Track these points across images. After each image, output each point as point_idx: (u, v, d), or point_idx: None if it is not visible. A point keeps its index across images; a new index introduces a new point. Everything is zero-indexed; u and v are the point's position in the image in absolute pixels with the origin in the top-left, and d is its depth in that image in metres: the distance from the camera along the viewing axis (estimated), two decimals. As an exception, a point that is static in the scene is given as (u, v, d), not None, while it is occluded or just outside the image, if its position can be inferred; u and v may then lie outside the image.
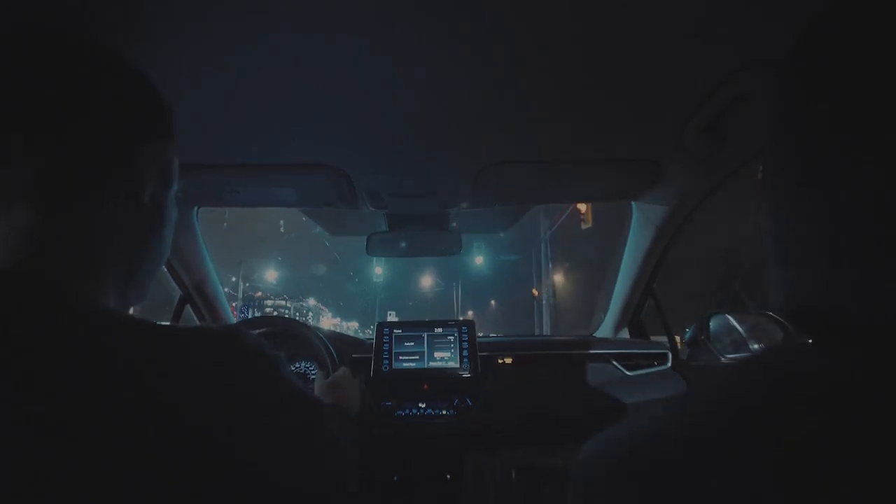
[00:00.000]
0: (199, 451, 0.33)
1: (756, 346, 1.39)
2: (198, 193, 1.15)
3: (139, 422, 0.32)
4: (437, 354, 1.36)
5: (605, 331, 1.60)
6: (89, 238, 0.40)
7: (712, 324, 1.42)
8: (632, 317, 1.52)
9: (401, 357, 1.36)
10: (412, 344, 1.38)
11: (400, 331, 1.40)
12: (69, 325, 0.34)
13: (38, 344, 0.32)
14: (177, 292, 1.39)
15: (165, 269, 1.33)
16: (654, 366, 1.40)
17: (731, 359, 1.35)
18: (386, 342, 1.37)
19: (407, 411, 1.29)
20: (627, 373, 1.37)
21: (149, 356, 0.35)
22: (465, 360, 1.35)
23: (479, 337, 1.41)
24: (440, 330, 1.40)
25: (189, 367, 0.36)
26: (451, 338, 1.38)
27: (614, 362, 1.39)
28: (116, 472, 0.30)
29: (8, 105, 0.37)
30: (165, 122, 0.46)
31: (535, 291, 15.26)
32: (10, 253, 0.37)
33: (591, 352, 1.41)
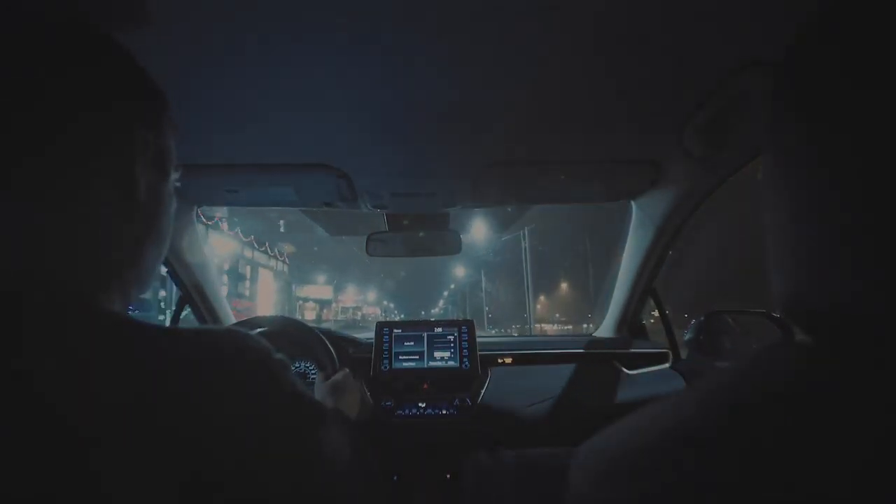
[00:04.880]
0: (204, 454, 0.33)
1: (755, 346, 1.39)
2: (197, 193, 1.15)
3: (143, 426, 0.32)
4: (437, 354, 1.36)
5: (604, 330, 1.60)
6: (84, 233, 0.38)
7: (712, 323, 1.42)
8: (632, 316, 1.52)
9: (401, 357, 1.36)
10: (412, 343, 1.38)
11: (400, 330, 1.39)
12: (69, 329, 0.34)
13: (37, 350, 0.32)
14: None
15: (165, 269, 1.33)
16: (653, 365, 1.40)
17: (731, 358, 1.35)
18: (386, 342, 1.37)
19: (407, 411, 1.29)
20: (627, 372, 1.38)
21: (154, 360, 0.34)
22: (465, 359, 1.35)
23: (479, 337, 1.41)
24: (440, 330, 1.40)
25: (196, 372, 0.35)
26: (451, 337, 1.38)
27: (614, 362, 1.39)
28: (119, 475, 0.30)
29: None
30: (156, 108, 0.45)
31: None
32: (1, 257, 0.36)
33: (591, 351, 1.41)
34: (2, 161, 0.36)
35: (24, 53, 0.37)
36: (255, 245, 32.42)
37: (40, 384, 0.31)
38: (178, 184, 0.48)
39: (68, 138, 0.38)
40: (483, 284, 38.22)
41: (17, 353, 0.32)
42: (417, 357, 1.36)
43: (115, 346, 0.34)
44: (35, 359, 0.32)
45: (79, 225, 0.38)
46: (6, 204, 0.36)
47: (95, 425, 0.31)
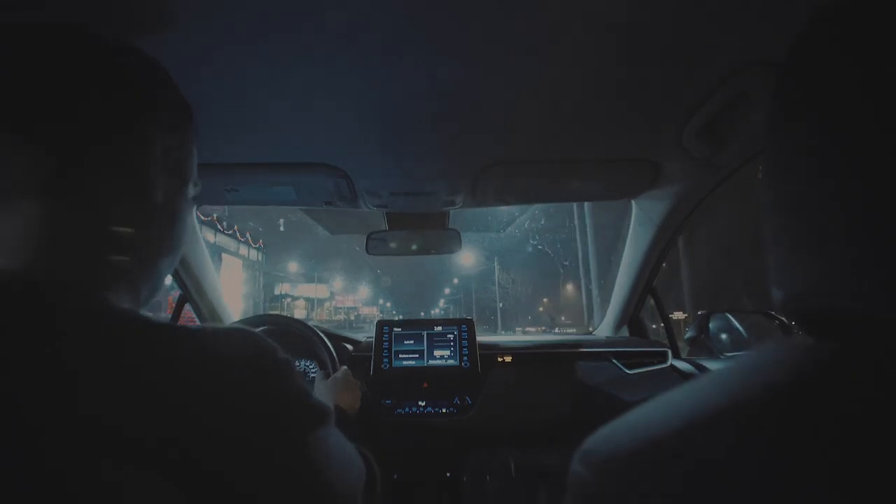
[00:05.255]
0: (206, 449, 0.33)
1: (755, 344, 1.39)
2: (198, 192, 1.15)
3: (151, 420, 0.32)
4: (437, 353, 1.36)
5: (604, 329, 1.60)
6: (97, 234, 0.39)
7: (712, 322, 1.42)
8: (631, 315, 1.52)
9: (401, 355, 1.36)
10: (412, 342, 1.38)
11: (400, 329, 1.40)
12: (81, 326, 0.34)
13: (47, 347, 0.32)
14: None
15: None
16: (653, 364, 1.41)
17: (731, 357, 1.36)
18: (386, 340, 1.38)
19: (407, 409, 1.29)
20: (627, 371, 1.38)
21: (163, 357, 0.35)
22: (465, 358, 1.35)
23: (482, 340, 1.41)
24: (440, 328, 1.40)
25: (204, 368, 0.36)
26: (451, 336, 1.38)
27: (614, 360, 1.40)
28: (126, 471, 0.30)
29: (8, 98, 0.36)
30: (178, 115, 0.45)
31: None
32: (15, 254, 0.36)
33: (591, 350, 1.41)
34: (23, 161, 0.36)
35: (48, 61, 0.37)
36: (219, 227, 25.83)
37: (52, 380, 0.31)
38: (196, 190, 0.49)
39: (90, 141, 0.38)
40: (496, 275, 32.91)
41: (33, 349, 0.32)
42: (417, 356, 1.36)
43: (126, 342, 0.34)
44: (48, 354, 0.32)
45: (92, 223, 0.39)
46: (27, 203, 0.37)
47: (104, 418, 0.31)
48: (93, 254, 0.39)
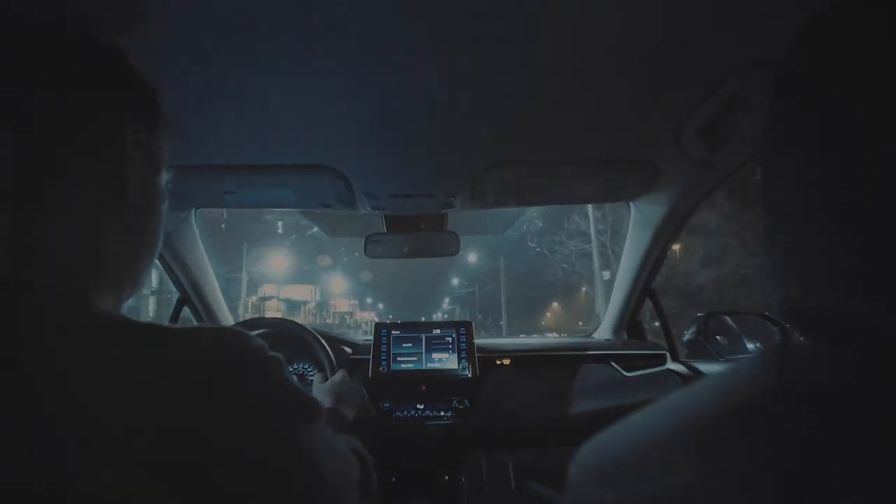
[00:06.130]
0: (197, 452, 0.33)
1: (753, 347, 1.39)
2: (195, 195, 1.15)
3: (139, 422, 0.32)
4: (436, 356, 1.36)
5: (603, 332, 1.60)
6: (75, 235, 0.39)
7: (710, 324, 1.42)
8: (630, 318, 1.52)
9: (399, 358, 1.36)
10: (410, 345, 1.38)
11: (398, 332, 1.39)
12: (63, 330, 0.34)
13: (34, 349, 0.32)
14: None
15: (163, 270, 1.33)
16: (652, 367, 1.40)
17: (729, 360, 1.36)
18: (384, 343, 1.37)
19: (405, 412, 1.29)
20: (625, 374, 1.38)
21: (150, 358, 0.34)
22: (464, 361, 1.35)
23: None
24: (438, 331, 1.40)
25: (191, 369, 0.35)
26: (449, 339, 1.38)
27: (612, 363, 1.39)
28: (115, 473, 0.30)
29: None
30: (146, 106, 0.45)
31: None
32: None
33: (590, 353, 1.41)
34: None
35: (14, 56, 0.37)
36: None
37: (37, 383, 0.31)
38: (170, 185, 0.49)
39: (58, 138, 0.38)
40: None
41: (14, 353, 0.32)
42: (416, 358, 1.36)
43: (110, 344, 0.34)
44: (32, 358, 0.32)
45: (69, 224, 0.38)
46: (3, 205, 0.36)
47: (92, 421, 0.31)
48: (70, 253, 0.38)
